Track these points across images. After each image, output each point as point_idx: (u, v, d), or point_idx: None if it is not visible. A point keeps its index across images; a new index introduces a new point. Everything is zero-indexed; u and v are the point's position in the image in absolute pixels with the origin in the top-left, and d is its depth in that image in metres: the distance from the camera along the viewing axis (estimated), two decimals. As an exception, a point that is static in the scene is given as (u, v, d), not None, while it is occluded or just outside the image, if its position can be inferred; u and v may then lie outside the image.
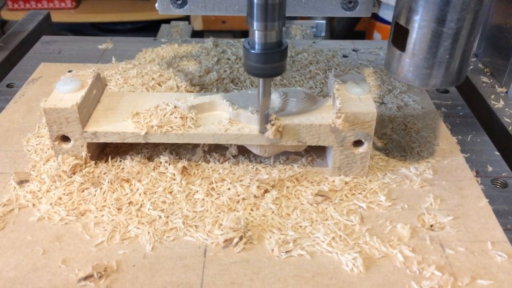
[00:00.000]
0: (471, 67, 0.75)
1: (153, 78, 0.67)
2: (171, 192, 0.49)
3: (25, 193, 0.49)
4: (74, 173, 0.50)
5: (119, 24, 1.69)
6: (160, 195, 0.48)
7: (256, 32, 0.42)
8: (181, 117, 0.50)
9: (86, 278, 0.40)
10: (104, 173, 0.51)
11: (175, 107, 0.51)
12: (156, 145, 0.55)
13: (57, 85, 0.50)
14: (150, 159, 0.53)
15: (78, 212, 0.47)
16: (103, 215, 0.46)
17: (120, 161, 0.53)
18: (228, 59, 0.74)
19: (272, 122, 0.48)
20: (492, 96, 0.68)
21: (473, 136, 0.60)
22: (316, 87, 0.66)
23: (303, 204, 0.48)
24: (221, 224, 0.45)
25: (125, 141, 0.50)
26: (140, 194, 0.48)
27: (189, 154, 0.54)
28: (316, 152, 0.54)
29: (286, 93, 0.52)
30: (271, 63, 0.44)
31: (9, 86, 0.71)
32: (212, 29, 1.65)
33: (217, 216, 0.46)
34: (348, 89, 0.50)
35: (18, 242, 0.44)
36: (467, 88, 0.72)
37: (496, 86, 0.70)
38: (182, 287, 0.40)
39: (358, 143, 0.49)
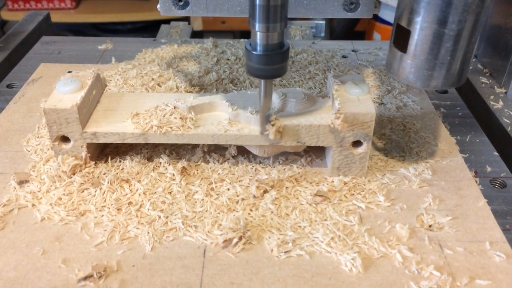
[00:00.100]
0: (471, 67, 0.75)
1: (152, 79, 0.67)
2: (170, 193, 0.49)
3: (25, 193, 0.49)
4: (74, 174, 0.51)
5: (119, 24, 1.69)
6: (159, 196, 0.49)
7: (258, 33, 0.42)
8: (180, 118, 0.50)
9: (85, 278, 0.40)
10: (104, 174, 0.51)
11: (174, 107, 0.51)
12: (155, 146, 0.55)
13: (57, 85, 0.50)
14: (149, 159, 0.53)
15: (78, 212, 0.47)
16: (102, 215, 0.47)
17: (120, 161, 0.53)
18: (228, 59, 0.74)
19: (272, 123, 0.48)
20: (491, 97, 0.68)
21: (472, 137, 0.60)
22: (315, 88, 0.67)
23: (302, 204, 0.48)
24: (220, 224, 0.46)
25: (125, 142, 0.50)
26: (139, 195, 0.49)
27: (188, 154, 0.54)
28: (315, 153, 0.55)
29: (286, 93, 0.52)
30: (273, 64, 0.44)
31: (9, 86, 0.71)
32: (212, 30, 1.65)
33: (217, 216, 0.47)
34: (347, 90, 0.50)
35: (18, 242, 0.44)
36: (466, 89, 0.72)
37: (495, 87, 0.70)
38: (182, 287, 0.40)
39: (357, 143, 0.49)
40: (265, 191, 0.49)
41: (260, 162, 0.54)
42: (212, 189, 0.50)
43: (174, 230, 0.45)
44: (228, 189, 0.50)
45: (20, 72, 0.75)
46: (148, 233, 0.45)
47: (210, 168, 0.53)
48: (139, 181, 0.50)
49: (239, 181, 0.51)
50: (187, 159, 0.53)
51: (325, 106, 0.51)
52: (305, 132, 0.49)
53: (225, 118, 0.51)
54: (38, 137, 0.57)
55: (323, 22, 1.00)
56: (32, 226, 0.46)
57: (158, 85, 0.66)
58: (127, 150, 0.55)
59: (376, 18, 1.52)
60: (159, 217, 0.46)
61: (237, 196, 0.49)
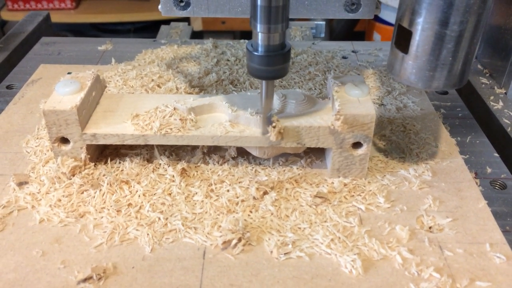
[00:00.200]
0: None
1: (152, 80, 0.67)
2: (170, 194, 0.49)
3: (24, 195, 0.49)
4: (73, 175, 0.50)
5: (119, 24, 1.69)
6: (159, 197, 0.48)
7: (260, 34, 0.42)
8: (180, 119, 0.50)
9: (85, 280, 0.40)
10: (104, 175, 0.51)
11: (174, 109, 0.51)
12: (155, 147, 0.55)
13: (56, 87, 0.50)
14: (149, 161, 0.53)
15: (78, 214, 0.47)
16: (102, 217, 0.46)
17: (120, 163, 0.53)
18: (228, 60, 0.74)
19: (274, 124, 0.48)
20: (491, 97, 0.68)
21: (472, 138, 0.60)
22: (315, 89, 0.66)
23: (302, 205, 0.48)
24: (220, 226, 0.45)
25: (125, 143, 0.50)
26: (139, 196, 0.49)
27: (188, 155, 0.54)
28: (315, 154, 0.55)
29: (285, 94, 0.52)
30: (274, 65, 0.44)
31: (8, 87, 0.71)
32: (212, 30, 1.65)
33: (216, 217, 0.47)
34: (347, 91, 0.50)
35: (17, 244, 0.44)
36: (466, 89, 0.72)
37: (495, 87, 0.70)
38: (181, 289, 0.40)
39: (357, 145, 0.49)
40: (265, 193, 0.49)
41: (260, 164, 0.54)
42: (211, 190, 0.50)
43: (174, 231, 0.45)
44: (228, 191, 0.50)
45: (19, 73, 0.74)
46: (148, 234, 0.45)
47: (210, 169, 0.53)
48: (138, 183, 0.50)
49: (239, 182, 0.51)
50: (186, 161, 0.53)
51: (325, 107, 0.51)
52: (305, 134, 0.49)
53: (225, 119, 0.51)
54: (37, 138, 0.57)
55: (323, 22, 1.00)
56: (31, 228, 0.46)
57: (158, 86, 0.66)
58: (127, 152, 0.54)
59: (376, 18, 1.52)
60: (159, 218, 0.46)
61: (237, 197, 0.49)
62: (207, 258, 0.43)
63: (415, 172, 0.52)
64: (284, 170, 0.52)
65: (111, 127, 0.50)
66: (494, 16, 0.71)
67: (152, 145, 0.54)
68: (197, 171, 0.52)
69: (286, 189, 0.50)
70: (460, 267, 0.42)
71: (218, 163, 0.53)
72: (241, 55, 0.75)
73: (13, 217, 0.47)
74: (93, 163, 0.52)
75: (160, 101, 0.53)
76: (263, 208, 0.48)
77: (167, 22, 1.04)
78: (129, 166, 0.52)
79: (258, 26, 0.42)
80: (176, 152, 0.55)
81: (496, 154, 0.57)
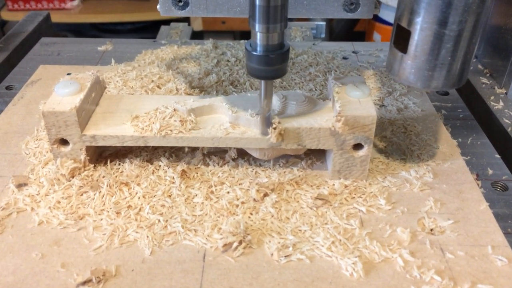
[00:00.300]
0: (471, 68, 0.75)
1: (152, 81, 0.67)
2: (170, 196, 0.49)
3: (23, 196, 0.49)
4: (72, 177, 0.50)
5: (119, 24, 1.69)
6: (159, 199, 0.48)
7: (258, 34, 0.42)
8: (180, 120, 0.50)
9: (84, 283, 0.40)
10: (103, 177, 0.50)
11: (174, 110, 0.51)
12: (155, 148, 0.55)
13: (55, 88, 0.50)
14: (149, 162, 0.53)
15: (77, 216, 0.47)
16: (102, 219, 0.46)
17: (119, 164, 0.53)
18: (228, 61, 0.74)
19: (274, 126, 0.48)
20: (492, 97, 0.67)
21: (473, 139, 0.59)
22: (315, 90, 0.66)
23: (302, 207, 0.48)
24: (220, 228, 0.45)
25: (124, 145, 0.50)
26: (139, 198, 0.48)
27: (188, 157, 0.54)
28: (316, 155, 0.54)
29: (286, 96, 0.51)
30: (273, 65, 0.43)
31: (8, 88, 0.71)
32: (212, 30, 1.65)
33: (217, 220, 0.46)
34: (348, 92, 0.50)
35: (16, 246, 0.44)
36: (466, 89, 0.72)
37: (496, 87, 0.70)
38: (181, 292, 0.40)
39: (358, 146, 0.49)
40: (266, 195, 0.49)
41: (260, 165, 0.53)
42: (212, 192, 0.49)
43: (174, 234, 0.45)
44: (228, 192, 0.49)
45: (19, 73, 0.74)
46: (148, 237, 0.44)
47: (210, 171, 0.52)
48: (138, 184, 0.50)
49: (239, 184, 0.50)
50: (186, 162, 0.53)
51: (326, 108, 0.51)
52: (305, 135, 0.49)
53: (225, 120, 0.51)
54: (37, 139, 0.57)
55: (323, 23, 0.99)
56: (30, 230, 0.45)
57: (158, 87, 0.66)
58: (127, 153, 0.54)
59: (376, 18, 1.52)
60: (159, 220, 0.46)
61: (237, 199, 0.48)
62: (207, 261, 0.43)
63: (416, 174, 0.52)
64: (284, 172, 0.52)
65: (111, 128, 0.50)
66: (495, 16, 0.71)
67: (153, 147, 0.54)
68: (197, 173, 0.52)
69: (287, 191, 0.50)
70: (462, 270, 0.42)
71: (218, 165, 0.53)
72: (242, 56, 0.75)
73: (12, 219, 0.47)
74: (93, 165, 0.52)
75: (160, 102, 0.53)
76: (264, 210, 0.47)
77: (167, 22, 1.03)
78: (128, 167, 0.52)
79: (257, 26, 0.41)
80: (176, 153, 0.54)
81: (498, 156, 0.57)
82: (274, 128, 0.48)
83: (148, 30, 1.69)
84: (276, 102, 0.51)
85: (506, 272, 0.42)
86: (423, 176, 0.52)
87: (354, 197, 0.49)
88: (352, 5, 0.47)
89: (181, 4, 0.47)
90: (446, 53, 0.44)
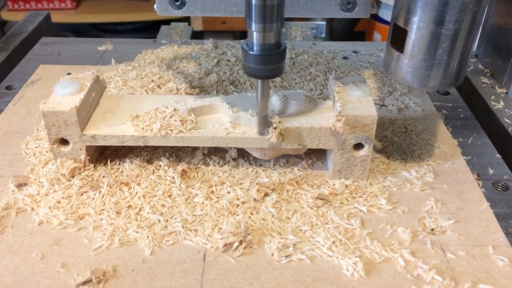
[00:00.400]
0: (471, 67, 0.75)
1: (152, 80, 0.67)
2: (170, 196, 0.49)
3: (23, 196, 0.49)
4: (73, 177, 0.50)
5: (119, 24, 1.69)
6: (159, 199, 0.48)
7: (255, 33, 0.42)
8: (180, 120, 0.50)
9: (84, 283, 0.40)
10: (103, 177, 0.50)
11: (174, 109, 0.51)
12: (155, 148, 0.55)
13: (56, 87, 0.50)
14: (149, 162, 0.53)
15: (77, 216, 0.46)
16: (102, 219, 0.46)
17: (119, 164, 0.53)
18: (228, 60, 0.74)
19: (275, 125, 0.48)
20: (492, 97, 0.67)
21: (474, 139, 0.59)
22: (316, 89, 0.66)
23: (303, 207, 0.48)
24: (220, 228, 0.45)
25: (124, 144, 0.50)
26: (139, 198, 0.48)
27: (188, 157, 0.54)
28: (316, 155, 0.54)
29: (286, 95, 0.51)
30: (270, 64, 0.43)
31: (8, 88, 0.71)
32: (212, 30, 1.65)
33: (217, 220, 0.46)
34: (349, 92, 0.49)
35: (16, 246, 0.44)
36: (467, 89, 0.72)
37: (496, 87, 0.70)
38: (182, 292, 0.40)
39: (358, 146, 0.49)
40: (266, 194, 0.49)
41: (261, 165, 0.53)
42: (212, 192, 0.49)
43: (174, 234, 0.45)
44: (229, 192, 0.49)
45: (19, 73, 0.74)
46: (148, 237, 0.44)
47: (210, 171, 0.52)
48: (138, 184, 0.50)
49: (240, 184, 0.50)
50: (187, 162, 0.53)
51: (326, 108, 0.51)
52: (306, 135, 0.49)
53: (226, 120, 0.51)
54: (37, 139, 0.57)
55: (324, 23, 0.99)
56: (30, 230, 0.45)
57: (158, 86, 0.66)
58: (127, 153, 0.54)
59: (376, 18, 1.52)
60: (159, 220, 0.46)
61: (238, 199, 0.48)
62: (208, 261, 0.43)
63: (417, 174, 0.52)
64: (285, 172, 0.52)
65: (111, 128, 0.50)
66: (495, 16, 0.71)
67: (153, 147, 0.54)
68: (197, 173, 0.52)
69: (287, 190, 0.50)
70: (463, 270, 0.42)
71: (219, 165, 0.53)
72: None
73: (12, 219, 0.47)
74: (93, 165, 0.52)
75: (160, 102, 0.53)
76: (264, 210, 0.47)
77: (167, 22, 1.03)
78: (129, 167, 0.52)
79: (253, 25, 0.41)
80: (176, 153, 0.54)
81: (498, 155, 0.57)
82: (275, 128, 0.48)
83: (148, 30, 1.69)
84: (276, 101, 0.51)
85: (507, 272, 0.41)
86: (424, 176, 0.52)
87: (354, 197, 0.49)
88: (349, 5, 0.47)
89: (177, 3, 0.47)
90: (443, 52, 0.44)
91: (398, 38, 0.45)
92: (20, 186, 0.50)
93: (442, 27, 0.42)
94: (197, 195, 0.49)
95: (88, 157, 0.51)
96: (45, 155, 0.54)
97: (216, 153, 0.54)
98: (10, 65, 0.77)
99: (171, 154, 0.54)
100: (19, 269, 0.41)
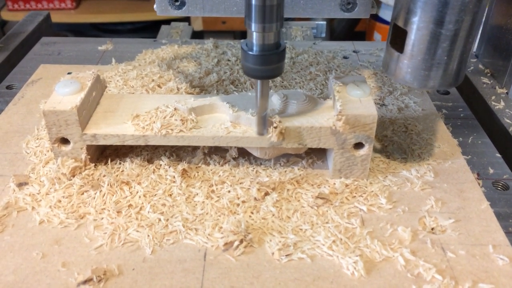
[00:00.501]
0: (472, 68, 0.75)
1: (153, 80, 0.67)
2: (171, 195, 0.49)
3: (24, 195, 0.49)
4: (73, 176, 0.50)
5: (119, 24, 1.69)
6: (160, 198, 0.48)
7: (254, 33, 0.42)
8: (181, 119, 0.50)
9: (85, 282, 0.40)
10: (104, 176, 0.50)
11: (175, 109, 0.51)
12: (156, 148, 0.55)
13: (56, 87, 0.50)
14: (150, 161, 0.53)
15: (78, 215, 0.47)
16: (102, 218, 0.46)
17: (120, 163, 0.53)
18: (228, 60, 0.74)
19: (275, 125, 0.48)
20: (493, 97, 0.67)
21: (474, 138, 0.59)
22: (316, 89, 0.66)
23: (303, 207, 0.48)
24: (221, 227, 0.45)
25: (125, 144, 0.50)
26: (139, 197, 0.48)
27: (189, 156, 0.54)
28: (317, 154, 0.54)
29: (287, 95, 0.51)
30: (269, 64, 0.43)
31: (8, 87, 0.71)
32: (212, 30, 1.65)
33: (217, 219, 0.46)
34: (349, 91, 0.50)
35: (17, 245, 0.44)
36: (467, 89, 0.72)
37: (497, 87, 0.70)
38: (182, 291, 0.40)
39: (358, 145, 0.49)
40: (266, 194, 0.49)
41: (261, 164, 0.53)
42: (212, 191, 0.49)
43: (175, 233, 0.45)
44: (229, 192, 0.49)
45: (19, 73, 0.74)
46: (148, 236, 0.44)
47: (211, 170, 0.52)
48: (139, 184, 0.50)
49: (240, 183, 0.50)
50: (187, 161, 0.53)
51: (327, 107, 0.51)
52: (306, 134, 0.49)
53: (226, 119, 0.51)
54: (37, 139, 0.57)
55: (324, 22, 0.99)
56: (31, 229, 0.45)
57: (159, 86, 0.66)
58: (127, 152, 0.54)
59: (376, 18, 1.52)
60: (159, 219, 0.46)
61: (238, 198, 0.48)
62: (208, 260, 0.43)
63: (417, 173, 0.52)
64: (285, 171, 0.52)
65: (112, 127, 0.50)
66: (495, 16, 0.71)
67: (153, 146, 0.54)
68: (198, 172, 0.52)
69: (288, 190, 0.50)
70: (463, 269, 0.42)
71: (219, 164, 0.53)
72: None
73: (12, 218, 0.47)
74: (93, 164, 0.52)
75: (160, 101, 0.53)
76: (264, 209, 0.47)
77: (167, 22, 1.03)
78: (129, 166, 0.52)
79: (253, 25, 0.41)
80: (176, 152, 0.54)
81: (498, 155, 0.57)
82: (275, 127, 0.48)
83: (148, 30, 1.69)
84: (277, 101, 0.51)
85: (507, 271, 0.41)
86: (424, 175, 0.52)
87: (355, 196, 0.49)
88: (349, 5, 0.47)
89: (177, 3, 0.47)
90: (442, 52, 0.44)
91: (398, 39, 0.45)
92: (20, 185, 0.50)
93: (442, 27, 0.42)
94: (197, 194, 0.49)
95: (89, 157, 0.51)
96: (45, 155, 0.54)
97: (216, 152, 0.54)
98: (10, 65, 0.77)
99: (172, 153, 0.54)
100: (19, 268, 0.42)
